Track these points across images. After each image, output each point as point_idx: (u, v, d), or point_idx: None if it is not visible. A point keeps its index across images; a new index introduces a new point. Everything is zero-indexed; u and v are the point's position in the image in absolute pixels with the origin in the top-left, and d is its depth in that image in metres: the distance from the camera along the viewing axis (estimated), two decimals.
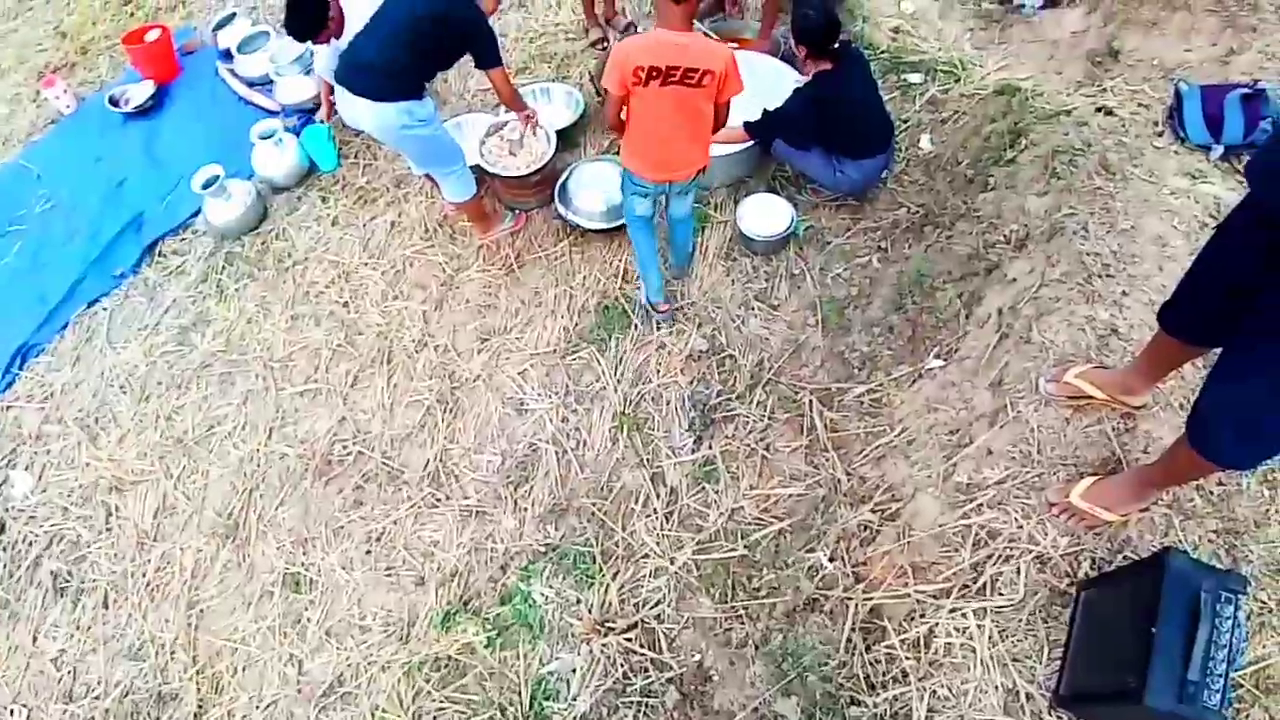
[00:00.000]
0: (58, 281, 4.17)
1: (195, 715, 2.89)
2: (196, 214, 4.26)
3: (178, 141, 4.75)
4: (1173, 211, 2.96)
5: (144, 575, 3.21)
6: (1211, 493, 2.31)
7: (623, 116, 2.95)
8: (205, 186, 3.98)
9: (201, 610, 3.11)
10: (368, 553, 3.12)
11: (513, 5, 5.04)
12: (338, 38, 3.63)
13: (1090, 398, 2.48)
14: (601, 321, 3.60)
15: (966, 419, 2.76)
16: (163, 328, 3.91)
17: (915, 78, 4.26)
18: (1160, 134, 3.41)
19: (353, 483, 3.28)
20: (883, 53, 4.36)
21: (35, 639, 3.16)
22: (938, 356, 3.11)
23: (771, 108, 3.53)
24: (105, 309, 4.07)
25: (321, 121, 4.43)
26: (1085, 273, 2.87)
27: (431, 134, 3.30)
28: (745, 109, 3.71)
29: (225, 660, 2.98)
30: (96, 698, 2.98)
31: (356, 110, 3.18)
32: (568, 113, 4.28)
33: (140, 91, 4.93)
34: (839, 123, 3.44)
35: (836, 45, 3.32)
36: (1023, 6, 4.89)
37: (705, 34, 4.32)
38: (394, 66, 3.09)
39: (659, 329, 3.53)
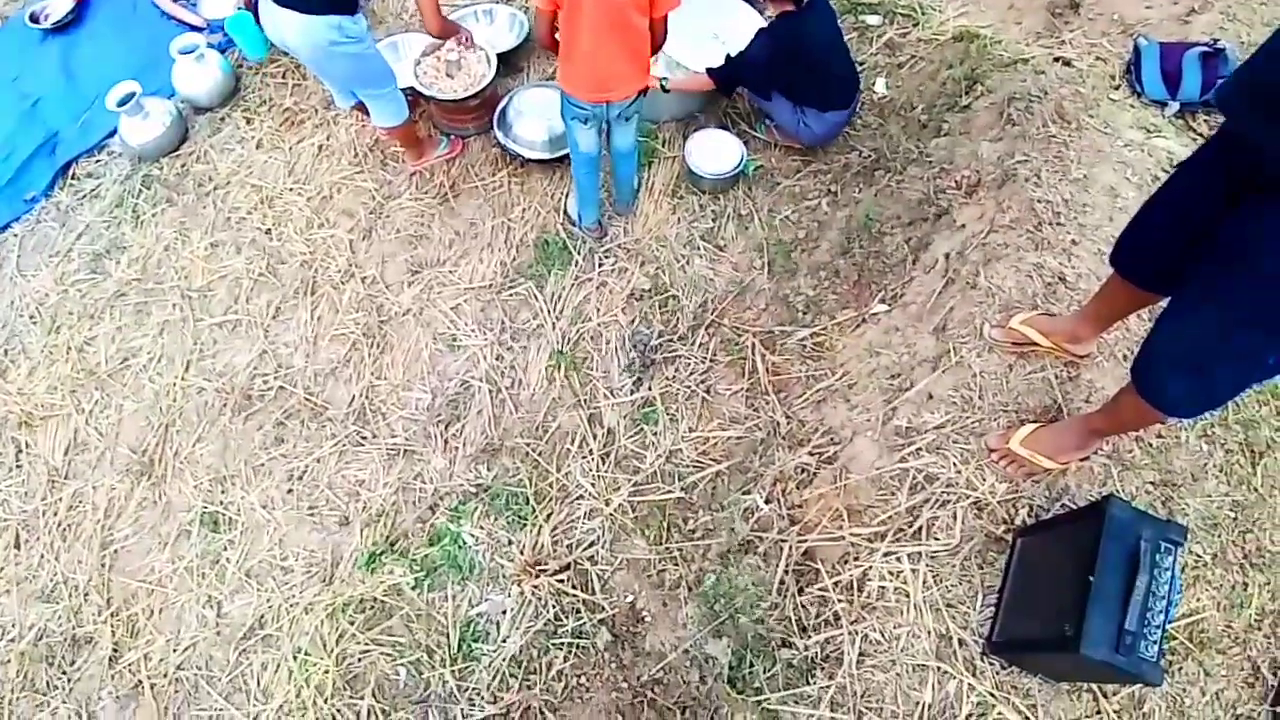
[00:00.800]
0: None
1: (110, 658, 2.76)
2: (113, 134, 3.97)
3: (96, 58, 4.41)
4: (1126, 163, 2.92)
5: (55, 514, 3.04)
6: (1151, 445, 2.31)
7: (557, 37, 2.80)
8: (121, 104, 3.68)
9: (116, 550, 2.96)
10: (289, 491, 2.98)
11: None
12: None
13: (1035, 344, 2.45)
14: (541, 256, 3.46)
15: (909, 363, 2.72)
16: (75, 254, 3.65)
17: (874, 20, 4.15)
18: (1117, 87, 3.38)
19: (274, 419, 3.12)
20: None
21: None
22: (883, 301, 3.06)
23: (734, 51, 3.39)
24: (16, 235, 3.79)
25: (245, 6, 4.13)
26: (1035, 220, 2.83)
27: (362, 52, 3.07)
28: (707, 50, 3.61)
29: (141, 602, 2.84)
30: (11, 640, 2.83)
31: (282, 24, 2.94)
32: (510, 36, 4.05)
33: (60, 6, 4.56)
34: (802, 70, 3.32)
35: None
36: None
37: None
38: None
39: (600, 265, 3.41)
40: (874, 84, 3.88)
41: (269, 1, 2.91)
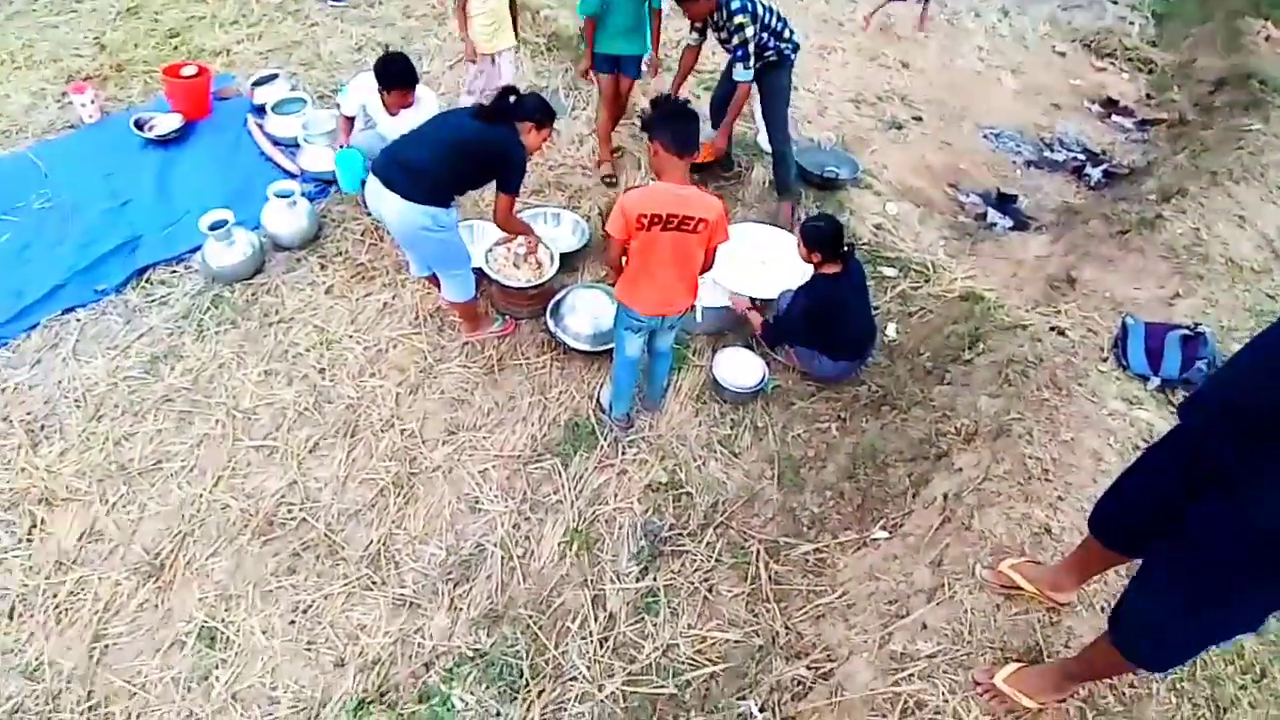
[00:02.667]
0: (38, 281, 4.10)
1: None
2: (194, 251, 4.27)
3: (191, 178, 4.83)
4: (1110, 431, 3.26)
5: (55, 596, 3.03)
6: (1124, 694, 2.46)
7: (623, 261, 3.19)
8: (212, 228, 4.02)
9: (107, 646, 2.93)
10: (291, 623, 3.01)
11: None
12: (392, 114, 3.94)
13: (1021, 589, 2.65)
14: (569, 437, 3.68)
15: (905, 591, 2.89)
16: (133, 352, 3.84)
17: (890, 271, 4.65)
18: (1105, 359, 3.78)
19: (290, 548, 3.20)
20: (864, 244, 4.76)
21: None
22: (883, 528, 3.27)
23: (777, 276, 4.00)
24: (79, 320, 3.98)
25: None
26: (1026, 474, 3.12)
27: (447, 239, 3.47)
28: (755, 276, 4.15)
29: (121, 703, 2.80)
30: None
31: (384, 202, 3.34)
32: (572, 239, 4.51)
33: (167, 122, 5.05)
34: (832, 327, 3.77)
35: (845, 249, 3.69)
36: (994, 225, 5.43)
37: None
38: (432, 176, 3.29)
39: (623, 454, 3.63)
40: (886, 328, 4.30)
41: (376, 180, 3.32)
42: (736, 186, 5.17)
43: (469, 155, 3.35)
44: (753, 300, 4.09)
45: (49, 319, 3.97)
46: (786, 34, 4.37)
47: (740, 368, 3.93)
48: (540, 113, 3.49)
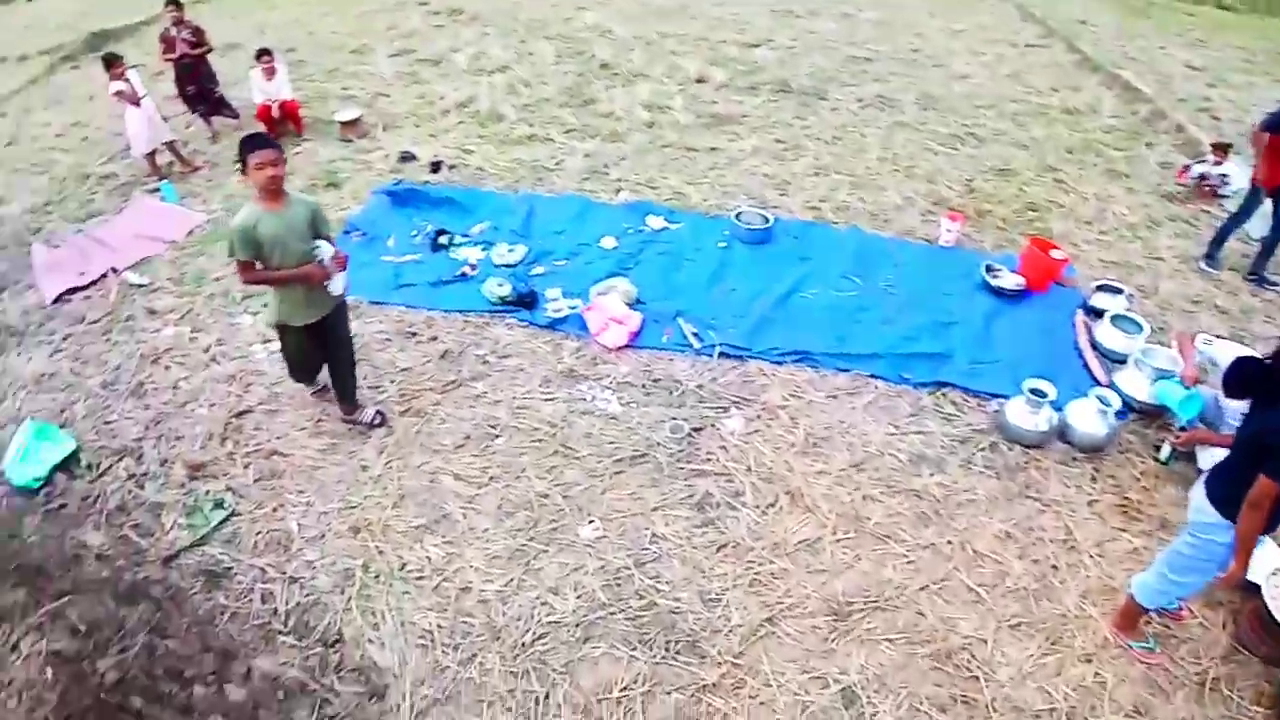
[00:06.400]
0: (860, 339, 5.19)
1: None
2: (993, 395, 4.75)
3: (1011, 335, 5.33)
4: None
5: (750, 569, 3.71)
6: None
7: None
8: (1032, 391, 4.34)
9: (762, 635, 3.47)
10: None
11: None
12: None
13: None
14: None
15: None
16: (907, 433, 4.51)
17: None
18: None
19: (948, 693, 3.29)
20: None
21: None
22: None
23: None
24: (877, 388, 4.87)
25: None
26: None
27: (1199, 546, 3.11)
28: None
29: (751, 682, 3.28)
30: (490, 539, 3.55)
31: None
32: None
33: (1011, 279, 5.78)
34: None
35: None
36: None
37: None
38: (1231, 480, 2.99)
39: None
40: None
41: None
42: None
43: (1252, 455, 2.87)
44: None
45: (856, 370, 4.95)
46: None
47: None
48: None
